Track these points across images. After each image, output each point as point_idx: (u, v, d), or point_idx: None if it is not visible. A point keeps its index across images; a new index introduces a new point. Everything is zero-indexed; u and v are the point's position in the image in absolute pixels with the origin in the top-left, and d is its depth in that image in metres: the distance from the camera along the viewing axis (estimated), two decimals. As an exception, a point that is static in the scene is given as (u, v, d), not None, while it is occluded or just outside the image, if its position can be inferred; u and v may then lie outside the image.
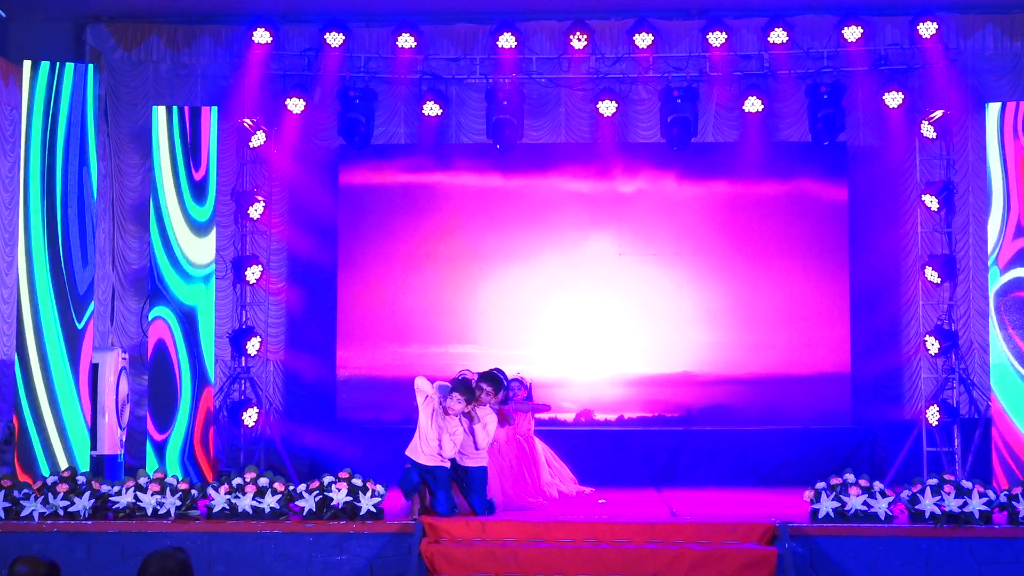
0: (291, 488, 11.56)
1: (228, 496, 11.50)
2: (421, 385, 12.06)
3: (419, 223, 17.32)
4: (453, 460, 12.01)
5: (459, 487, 12.08)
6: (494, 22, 16.62)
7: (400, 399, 14.55)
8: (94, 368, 13.64)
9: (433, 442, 11.88)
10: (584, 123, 17.30)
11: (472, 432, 12.04)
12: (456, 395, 11.94)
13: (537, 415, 14.44)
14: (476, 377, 12.36)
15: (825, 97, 16.39)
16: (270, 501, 11.46)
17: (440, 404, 11.94)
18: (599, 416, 16.97)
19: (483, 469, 12.19)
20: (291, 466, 15.82)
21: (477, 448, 12.12)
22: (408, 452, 11.97)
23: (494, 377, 12.47)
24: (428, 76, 16.98)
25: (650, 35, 16.47)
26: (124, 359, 15.12)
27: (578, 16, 16.65)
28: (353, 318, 17.28)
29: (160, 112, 14.25)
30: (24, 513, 11.54)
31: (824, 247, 17.01)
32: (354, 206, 17.39)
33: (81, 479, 11.72)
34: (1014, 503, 11.19)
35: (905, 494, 11.28)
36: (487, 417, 12.20)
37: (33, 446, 12.63)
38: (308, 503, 11.43)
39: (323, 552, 11.29)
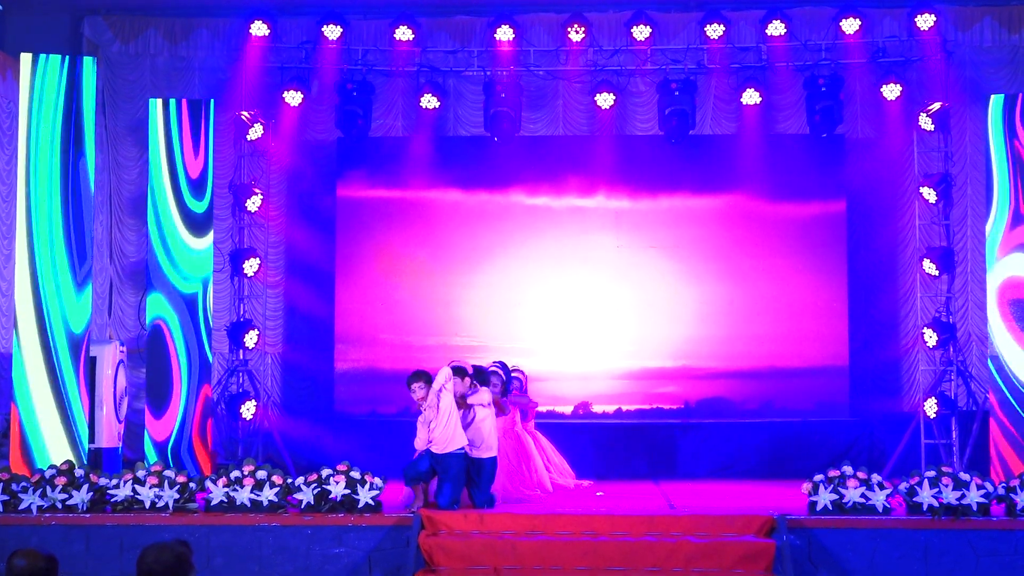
0: (289, 481, 11.58)
1: (226, 489, 11.51)
2: (419, 443, 12.03)
3: (417, 220, 17.29)
4: (466, 452, 12.01)
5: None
6: (492, 15, 16.60)
7: (398, 392, 14.54)
8: (92, 361, 13.64)
9: (444, 427, 11.84)
10: (582, 116, 17.29)
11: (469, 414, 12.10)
12: (415, 385, 12.00)
13: (528, 407, 14.46)
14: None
15: (823, 89, 16.39)
16: (268, 494, 11.47)
17: (426, 416, 11.95)
18: (597, 409, 16.97)
19: (493, 460, 12.19)
20: (289, 459, 15.83)
21: (470, 396, 12.13)
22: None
23: (459, 368, 12.44)
24: (426, 69, 16.97)
25: (648, 27, 16.46)
26: (122, 352, 15.10)
27: (576, 9, 16.64)
28: (351, 311, 17.27)
29: (158, 105, 14.26)
30: (22, 506, 11.55)
31: (822, 240, 17.00)
32: (352, 212, 17.34)
33: (79, 472, 11.74)
34: (1012, 495, 11.21)
35: (903, 486, 11.30)
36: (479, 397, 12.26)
37: (31, 439, 12.62)
38: (306, 496, 11.44)
39: (321, 544, 11.30)
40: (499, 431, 13.06)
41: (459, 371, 12.28)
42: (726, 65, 16.80)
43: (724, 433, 16.68)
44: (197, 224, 14.21)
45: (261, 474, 11.56)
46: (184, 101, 14.44)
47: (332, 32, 16.51)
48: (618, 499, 13.35)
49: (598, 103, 16.72)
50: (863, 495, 11.24)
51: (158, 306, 14.01)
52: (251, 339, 16.48)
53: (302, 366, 17.33)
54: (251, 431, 16.32)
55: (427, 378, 12.02)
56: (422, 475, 11.82)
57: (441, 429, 11.87)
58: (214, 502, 11.52)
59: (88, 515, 11.51)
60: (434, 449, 11.84)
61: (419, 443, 11.99)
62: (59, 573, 6.67)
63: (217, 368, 15.93)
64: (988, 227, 13.63)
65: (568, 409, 16.87)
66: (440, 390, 11.90)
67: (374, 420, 16.56)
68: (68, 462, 11.96)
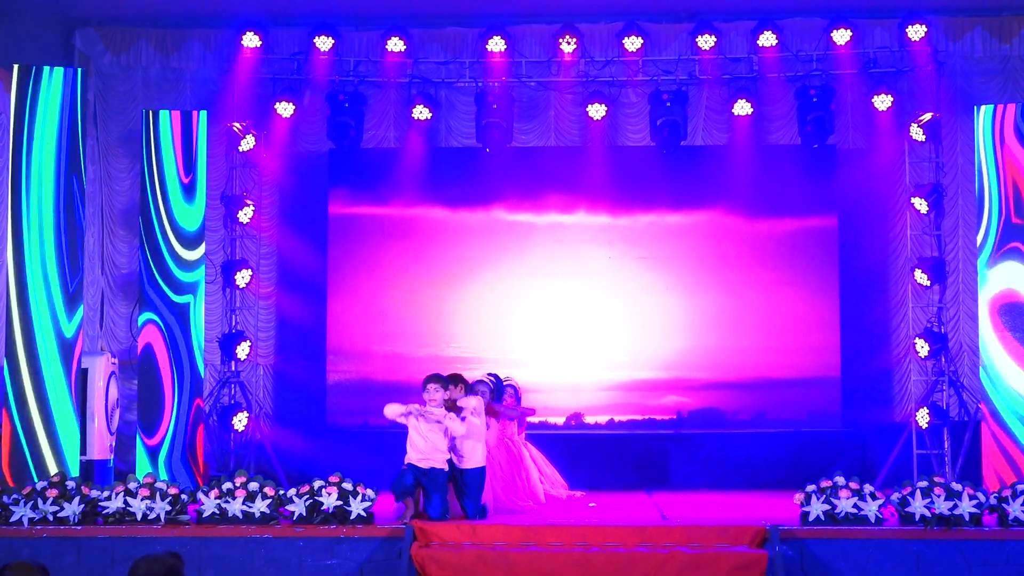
0: (281, 492, 11.55)
1: (218, 501, 11.49)
2: (391, 412, 11.98)
3: (409, 231, 17.27)
4: (451, 463, 11.98)
5: (454, 489, 12.06)
6: (483, 26, 16.60)
7: (390, 402, 14.54)
8: (83, 373, 13.62)
9: (429, 443, 11.82)
10: (574, 126, 17.30)
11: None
12: (431, 386, 11.96)
13: (527, 419, 14.49)
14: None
15: (814, 100, 16.40)
16: (260, 506, 11.45)
17: (420, 411, 11.90)
18: (589, 419, 16.96)
19: (481, 470, 12.15)
20: (281, 470, 15.81)
21: (457, 431, 12.06)
22: (407, 460, 11.94)
23: (457, 376, 12.44)
24: (418, 80, 16.97)
25: (639, 38, 16.47)
26: (114, 364, 15.11)
27: (567, 19, 16.63)
28: (343, 322, 17.24)
29: (149, 116, 14.25)
30: (13, 519, 11.51)
31: (813, 250, 17.01)
32: (344, 223, 17.31)
33: (71, 484, 11.71)
34: (1004, 505, 11.21)
35: (895, 496, 11.30)
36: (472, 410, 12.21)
37: (23, 451, 12.60)
38: (298, 507, 11.42)
39: (313, 556, 11.28)
40: (492, 441, 13.07)
41: (458, 379, 12.35)
42: (717, 76, 16.82)
43: (716, 444, 16.69)
44: (189, 235, 14.20)
45: (253, 486, 11.54)
46: (176, 112, 14.44)
47: (324, 43, 16.49)
48: (610, 510, 13.34)
49: (590, 114, 16.71)
50: (855, 505, 11.24)
51: (150, 317, 13.99)
52: (243, 351, 16.45)
53: (294, 377, 17.30)
54: (243, 443, 16.28)
55: (444, 384, 12.04)
56: (409, 489, 11.79)
57: (435, 451, 11.85)
58: (206, 514, 11.49)
59: (80, 527, 11.48)
60: (422, 465, 11.81)
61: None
62: (50, 585, 6.66)
63: (209, 380, 15.90)
64: (979, 237, 13.66)
65: (560, 420, 16.86)
66: (453, 431, 11.95)
67: (366, 431, 16.54)
68: (60, 474, 11.94)
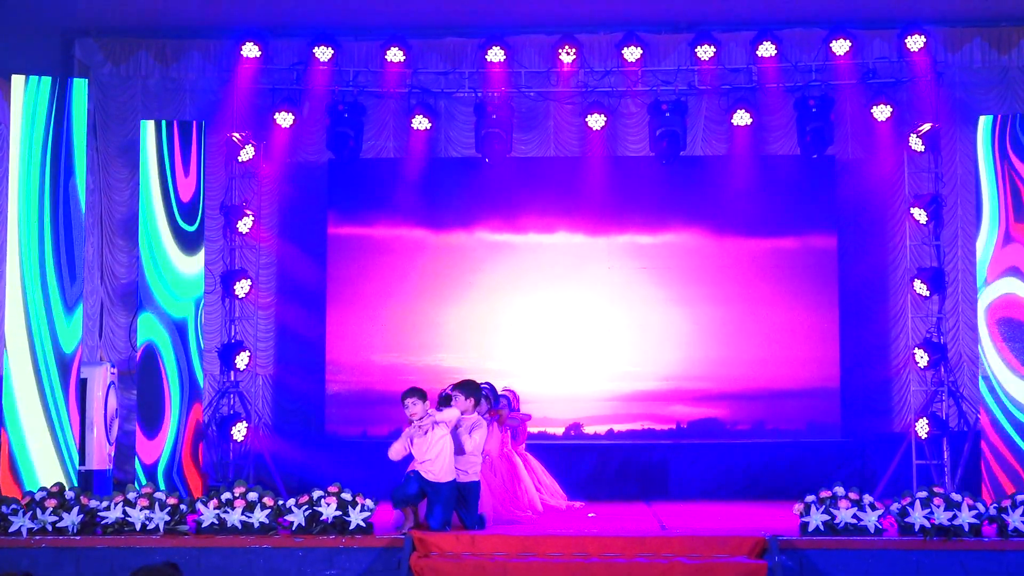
0: (280, 503, 11.54)
1: (217, 511, 11.47)
2: (395, 454, 11.98)
3: (409, 241, 17.27)
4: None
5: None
6: (483, 36, 16.63)
7: (389, 413, 14.59)
8: (83, 383, 13.61)
9: (432, 455, 11.80)
10: (573, 137, 17.30)
11: (457, 439, 12.02)
12: (408, 400, 11.89)
13: (527, 427, 14.50)
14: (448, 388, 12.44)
15: (813, 110, 16.42)
16: (259, 516, 11.44)
17: (412, 431, 11.89)
18: (588, 430, 16.95)
19: (476, 484, 12.17)
20: (280, 481, 15.81)
21: (463, 453, 12.05)
22: (412, 466, 11.95)
23: (467, 384, 12.45)
24: (417, 90, 16.99)
25: (639, 49, 16.49)
26: (113, 374, 15.09)
27: (567, 30, 16.66)
28: (342, 332, 17.22)
29: (149, 126, 14.26)
30: (12, 529, 11.50)
31: (813, 260, 17.00)
32: (343, 233, 17.30)
33: (70, 494, 11.69)
34: (1003, 516, 11.19)
35: (895, 507, 11.28)
36: (476, 426, 12.19)
37: (20, 461, 12.59)
38: (297, 518, 11.41)
39: (313, 567, 11.25)
40: (494, 451, 13.07)
41: (466, 387, 12.35)
42: (717, 86, 16.84)
43: (716, 454, 16.68)
44: (188, 245, 14.20)
45: (252, 496, 11.52)
46: (175, 123, 14.45)
47: (323, 54, 16.51)
48: (609, 520, 13.33)
49: (589, 124, 16.73)
50: (855, 516, 11.23)
51: (149, 328, 13.99)
52: (242, 361, 16.46)
53: (293, 388, 17.29)
54: (242, 453, 16.28)
55: (421, 395, 11.97)
56: (410, 498, 11.78)
57: (438, 461, 11.83)
58: (205, 524, 11.48)
59: (79, 537, 11.46)
60: (428, 477, 11.80)
61: (394, 453, 11.95)
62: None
63: (208, 390, 15.91)
64: (979, 247, 13.65)
65: (559, 430, 16.85)
66: (448, 424, 11.89)
67: (365, 441, 16.53)
68: (58, 484, 11.92)
